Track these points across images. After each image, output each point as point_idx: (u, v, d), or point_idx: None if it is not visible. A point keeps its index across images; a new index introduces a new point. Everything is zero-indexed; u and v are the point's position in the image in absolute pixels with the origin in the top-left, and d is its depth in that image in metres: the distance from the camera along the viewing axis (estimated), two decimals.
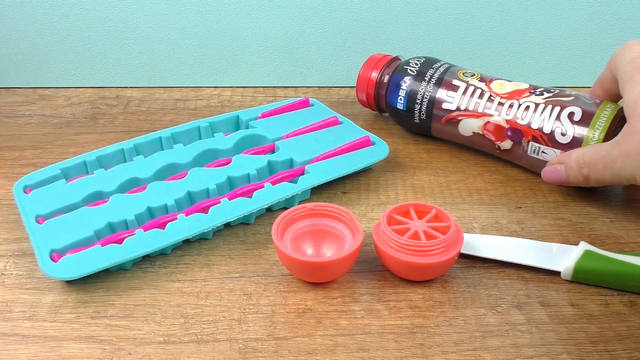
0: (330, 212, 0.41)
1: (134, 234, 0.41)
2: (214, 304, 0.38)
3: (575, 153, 0.44)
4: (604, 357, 0.34)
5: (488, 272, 0.40)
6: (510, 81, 0.50)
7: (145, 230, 0.41)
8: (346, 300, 0.38)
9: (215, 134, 0.52)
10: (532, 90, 0.48)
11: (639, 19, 0.62)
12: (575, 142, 0.45)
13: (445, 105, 0.50)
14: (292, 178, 0.47)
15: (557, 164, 0.46)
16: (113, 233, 0.42)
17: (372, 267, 0.41)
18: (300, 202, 0.46)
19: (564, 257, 0.40)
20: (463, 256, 0.41)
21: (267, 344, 0.35)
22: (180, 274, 0.41)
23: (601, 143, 0.43)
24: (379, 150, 0.50)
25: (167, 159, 0.48)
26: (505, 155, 0.50)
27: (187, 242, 0.43)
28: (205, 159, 0.49)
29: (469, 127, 0.50)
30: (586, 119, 0.45)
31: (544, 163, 0.47)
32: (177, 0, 0.61)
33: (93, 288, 0.39)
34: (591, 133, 0.44)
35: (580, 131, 0.45)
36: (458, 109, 0.50)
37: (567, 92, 0.47)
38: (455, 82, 0.50)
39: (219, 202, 0.44)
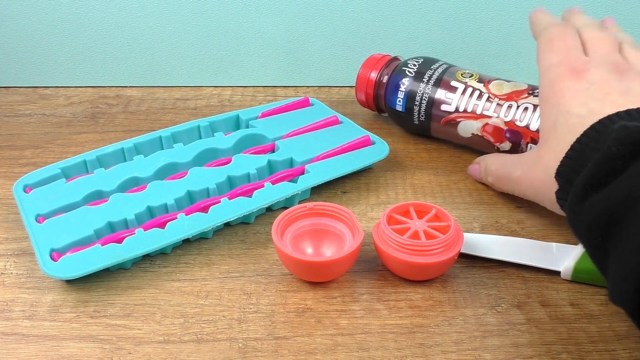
0: (330, 212, 0.41)
1: (134, 233, 0.41)
2: (214, 303, 0.38)
3: (486, 159, 0.46)
4: (603, 356, 0.34)
5: (488, 271, 0.40)
6: (508, 81, 0.50)
7: (145, 230, 0.41)
8: (346, 300, 0.38)
9: (215, 134, 0.52)
10: (530, 91, 0.48)
11: (639, 19, 0.62)
12: None
13: (444, 107, 0.50)
14: (292, 177, 0.47)
15: (476, 164, 0.48)
16: (113, 232, 0.42)
17: (372, 267, 0.41)
18: (300, 202, 0.46)
19: (564, 257, 0.40)
20: (463, 256, 0.41)
21: (267, 343, 0.35)
22: (180, 273, 0.41)
23: (508, 156, 0.44)
24: (379, 149, 0.50)
25: (167, 158, 0.48)
26: None
27: (187, 241, 0.43)
28: (205, 158, 0.49)
29: (468, 128, 0.50)
30: None
31: None
32: (177, 0, 0.61)
33: (93, 287, 0.39)
34: None
35: None
36: (457, 110, 0.50)
37: None
38: (453, 83, 0.50)
39: (219, 202, 0.44)
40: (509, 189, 0.44)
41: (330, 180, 0.47)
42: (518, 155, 0.43)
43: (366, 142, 0.50)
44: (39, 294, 0.39)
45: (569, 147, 0.35)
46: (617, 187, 0.30)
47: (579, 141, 0.34)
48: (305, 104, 0.56)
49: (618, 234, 0.29)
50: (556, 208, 0.37)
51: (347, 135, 0.51)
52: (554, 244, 0.41)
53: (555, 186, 0.36)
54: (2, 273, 0.41)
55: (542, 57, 0.41)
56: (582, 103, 0.36)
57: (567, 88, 0.38)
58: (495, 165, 0.45)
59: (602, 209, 0.30)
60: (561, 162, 0.35)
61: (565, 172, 0.35)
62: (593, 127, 0.34)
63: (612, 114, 0.34)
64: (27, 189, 0.45)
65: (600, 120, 0.34)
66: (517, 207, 0.46)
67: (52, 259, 0.39)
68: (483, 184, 0.48)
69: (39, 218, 0.43)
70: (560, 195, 0.35)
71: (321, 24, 0.63)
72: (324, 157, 0.48)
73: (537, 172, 0.39)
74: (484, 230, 0.44)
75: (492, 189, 0.48)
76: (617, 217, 0.29)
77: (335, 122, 0.53)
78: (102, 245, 0.40)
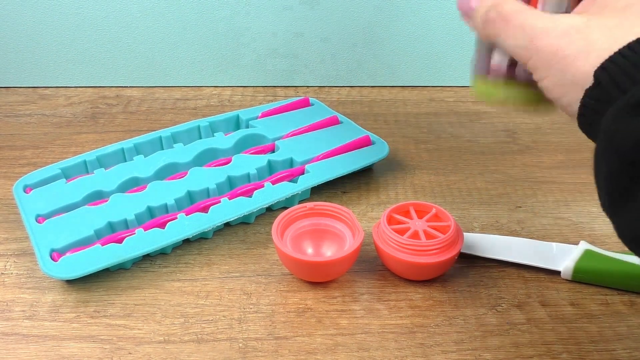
0: (330, 212, 0.41)
1: (134, 233, 0.41)
2: (214, 303, 0.38)
3: None
4: (604, 356, 0.34)
5: (488, 271, 0.40)
6: None
7: (145, 230, 0.41)
8: (346, 300, 0.38)
9: (215, 134, 0.52)
10: None
11: None
12: None
13: None
14: (292, 177, 0.47)
15: None
16: (113, 232, 0.42)
17: (372, 267, 0.41)
18: (300, 202, 0.46)
19: (564, 257, 0.40)
20: (463, 256, 0.41)
21: (267, 343, 0.35)
22: (181, 273, 0.41)
23: (537, 12, 0.33)
24: (379, 149, 0.50)
25: (167, 158, 0.48)
26: None
27: (187, 241, 0.43)
28: (205, 158, 0.49)
29: None
30: None
31: None
32: (177, 0, 0.61)
33: (93, 287, 0.39)
34: None
35: None
36: None
37: None
38: None
39: (219, 202, 0.44)
40: (506, 37, 0.33)
41: (330, 180, 0.47)
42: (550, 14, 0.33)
43: (366, 142, 0.50)
44: (39, 294, 0.39)
45: (635, 38, 0.27)
46: None
47: None
48: (305, 104, 0.56)
49: None
50: (560, 91, 0.30)
51: (347, 135, 0.51)
52: (554, 244, 0.41)
53: (592, 63, 0.28)
54: (2, 273, 0.41)
55: None
56: None
57: None
58: (511, 6, 0.33)
59: None
60: (618, 52, 0.27)
61: (616, 71, 0.27)
62: None
63: None
64: (27, 189, 0.45)
65: None
66: (517, 207, 0.46)
67: (52, 259, 0.39)
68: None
69: (39, 218, 0.43)
70: (594, 94, 0.28)
71: (321, 24, 0.63)
72: (324, 157, 0.48)
73: (573, 40, 0.30)
74: (484, 230, 0.44)
75: (492, 190, 0.48)
76: None
77: (335, 122, 0.53)
78: (102, 245, 0.40)
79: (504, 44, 0.34)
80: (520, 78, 0.39)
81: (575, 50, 0.30)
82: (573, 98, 0.29)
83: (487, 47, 0.39)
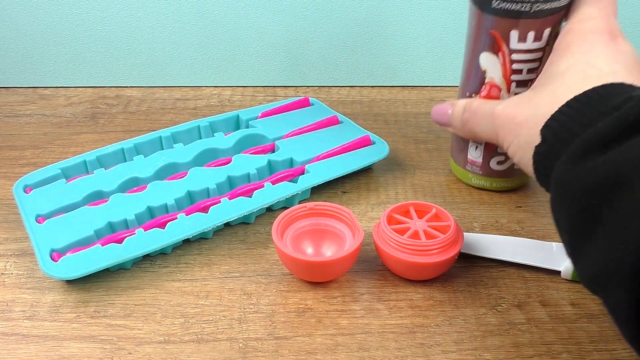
0: (330, 212, 0.41)
1: (134, 233, 0.41)
2: (214, 303, 0.38)
3: (468, 99, 0.42)
4: (604, 356, 0.35)
5: (488, 271, 0.40)
6: None
7: (145, 230, 0.41)
8: (346, 300, 0.38)
9: (215, 134, 0.52)
10: None
11: (639, 19, 0.62)
12: None
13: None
14: (292, 177, 0.47)
15: (449, 104, 0.43)
16: (113, 232, 0.42)
17: (372, 267, 0.41)
18: (300, 202, 0.46)
19: (564, 257, 0.40)
20: (463, 255, 0.41)
21: (267, 343, 0.35)
22: (181, 273, 0.41)
23: (493, 101, 0.40)
24: (379, 149, 0.50)
25: (167, 158, 0.48)
26: None
27: (187, 241, 0.43)
28: (205, 158, 0.49)
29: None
30: None
31: None
32: (177, 0, 0.61)
33: (93, 287, 0.39)
34: None
35: None
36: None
37: None
38: None
39: (219, 202, 0.44)
40: (479, 128, 0.39)
41: (330, 180, 0.47)
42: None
43: (366, 142, 0.50)
44: (39, 294, 0.39)
45: (572, 96, 0.31)
46: (632, 147, 0.26)
47: (587, 94, 0.30)
48: (305, 104, 0.56)
49: (621, 198, 0.25)
50: (519, 153, 0.34)
51: (347, 135, 0.51)
52: (554, 243, 0.41)
53: (539, 123, 0.32)
54: (2, 273, 0.41)
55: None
56: (608, 61, 0.33)
57: (600, 42, 0.34)
58: (477, 102, 0.40)
59: (609, 170, 0.26)
60: (558, 110, 0.31)
61: (557, 127, 0.31)
62: (608, 86, 0.30)
63: (635, 85, 0.30)
64: (27, 189, 0.45)
65: (620, 82, 0.31)
66: (517, 207, 0.46)
67: (53, 259, 0.39)
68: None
69: (39, 218, 0.43)
70: (542, 150, 0.31)
71: (321, 24, 0.63)
72: (324, 157, 0.48)
73: (524, 107, 0.35)
74: (484, 230, 0.44)
75: (492, 189, 0.48)
76: (624, 180, 0.26)
77: (335, 122, 0.53)
78: (102, 245, 0.40)
79: (478, 134, 0.40)
80: (493, 173, 0.46)
81: (525, 116, 0.34)
82: (528, 157, 0.33)
83: (464, 143, 0.46)
